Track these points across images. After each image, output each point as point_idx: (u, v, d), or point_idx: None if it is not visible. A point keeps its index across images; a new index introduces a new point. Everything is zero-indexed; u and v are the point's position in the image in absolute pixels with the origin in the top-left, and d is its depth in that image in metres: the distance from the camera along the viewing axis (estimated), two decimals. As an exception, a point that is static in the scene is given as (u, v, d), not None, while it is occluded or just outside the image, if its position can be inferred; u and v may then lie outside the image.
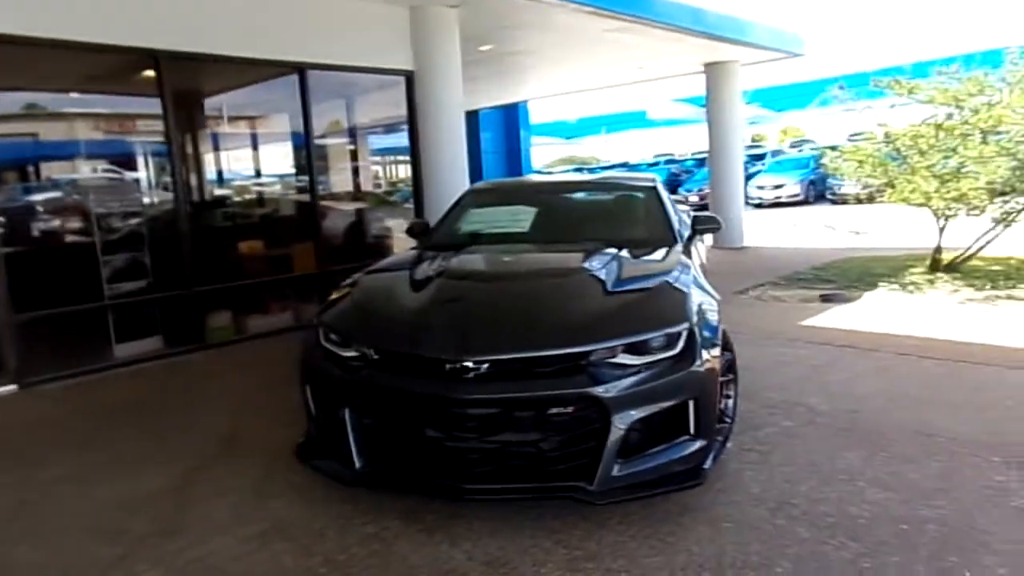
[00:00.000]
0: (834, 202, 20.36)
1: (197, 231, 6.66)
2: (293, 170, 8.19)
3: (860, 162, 8.59)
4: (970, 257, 8.15)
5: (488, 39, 9.06)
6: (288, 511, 3.14)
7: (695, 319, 3.01)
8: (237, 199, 8.26)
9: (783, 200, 20.93)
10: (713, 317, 3.20)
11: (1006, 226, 7.89)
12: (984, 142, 7.49)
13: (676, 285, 3.24)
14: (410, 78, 7.82)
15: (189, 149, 8.08)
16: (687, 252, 3.98)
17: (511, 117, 20.29)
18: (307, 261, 7.35)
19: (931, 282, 7.68)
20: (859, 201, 9.75)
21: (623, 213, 4.65)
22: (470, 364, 2.77)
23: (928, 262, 8.41)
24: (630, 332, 2.87)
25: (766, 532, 2.75)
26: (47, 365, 5.55)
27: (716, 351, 3.07)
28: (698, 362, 2.90)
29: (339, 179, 8.49)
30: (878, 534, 2.70)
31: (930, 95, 7.95)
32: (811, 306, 6.99)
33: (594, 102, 36.08)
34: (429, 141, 7.71)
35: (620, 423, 2.76)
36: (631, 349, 2.85)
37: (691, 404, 2.90)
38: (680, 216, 4.60)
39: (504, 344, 2.84)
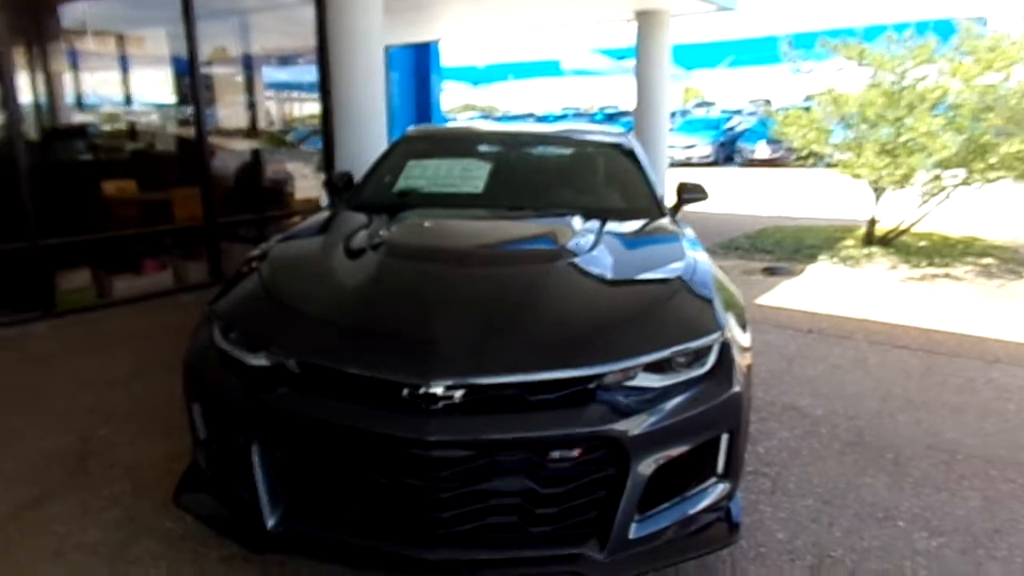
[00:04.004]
0: (742, 165, 20.53)
1: (45, 166, 5.30)
2: (175, 99, 6.83)
3: (804, 127, 8.20)
4: (902, 232, 8.05)
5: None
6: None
7: (728, 323, 2.31)
8: (103, 129, 6.83)
9: (693, 160, 20.87)
10: (743, 317, 2.50)
11: (940, 203, 7.78)
12: (947, 108, 7.23)
13: (695, 277, 2.50)
14: (321, -3, 6.61)
15: (38, 63, 6.58)
16: (676, 225, 3.27)
17: (422, 58, 18.88)
18: (192, 209, 6.10)
19: (868, 256, 7.56)
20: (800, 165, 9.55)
21: (595, 174, 3.86)
22: (439, 391, 1.94)
23: (860, 234, 8.31)
24: (655, 344, 2.11)
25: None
26: None
27: (748, 360, 2.38)
28: (736, 383, 2.21)
29: (233, 114, 7.19)
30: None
31: (877, 60, 7.61)
32: (756, 279, 6.80)
33: (504, 48, 34.67)
34: (343, 76, 6.52)
35: (644, 468, 2.02)
36: (654, 367, 2.11)
37: (724, 437, 2.21)
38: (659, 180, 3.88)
39: (486, 362, 2.02)
